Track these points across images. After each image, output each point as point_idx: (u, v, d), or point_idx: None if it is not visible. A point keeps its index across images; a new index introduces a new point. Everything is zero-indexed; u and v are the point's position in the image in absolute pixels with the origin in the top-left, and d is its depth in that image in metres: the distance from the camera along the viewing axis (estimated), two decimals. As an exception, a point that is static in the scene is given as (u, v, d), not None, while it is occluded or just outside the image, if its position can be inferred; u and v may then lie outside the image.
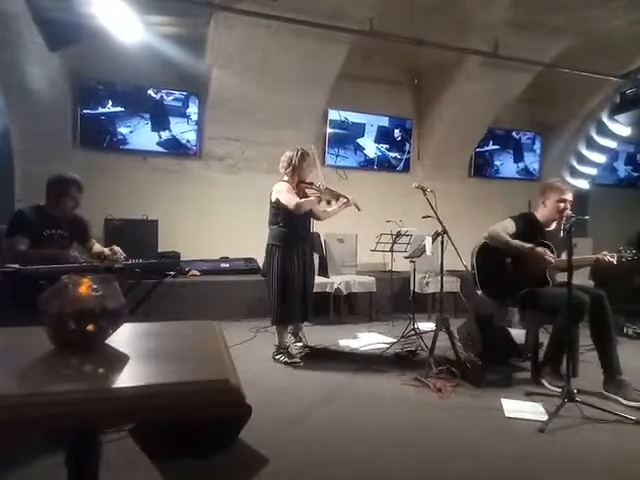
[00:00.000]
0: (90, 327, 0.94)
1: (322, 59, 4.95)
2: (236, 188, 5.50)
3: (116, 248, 3.11)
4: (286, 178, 3.52)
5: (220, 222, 5.41)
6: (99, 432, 0.96)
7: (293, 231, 3.44)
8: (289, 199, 3.34)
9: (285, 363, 3.44)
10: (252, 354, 3.74)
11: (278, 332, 3.52)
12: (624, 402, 2.68)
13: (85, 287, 0.96)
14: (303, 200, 3.38)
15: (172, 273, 3.20)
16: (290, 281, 3.39)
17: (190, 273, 5.06)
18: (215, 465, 1.90)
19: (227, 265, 5.30)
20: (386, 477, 1.94)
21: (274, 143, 5.40)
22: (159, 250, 5.05)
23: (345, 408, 2.63)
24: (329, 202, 3.63)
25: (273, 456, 2.02)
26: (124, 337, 1.06)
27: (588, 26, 4.90)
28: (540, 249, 2.99)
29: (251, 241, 4.70)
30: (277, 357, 3.51)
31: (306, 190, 3.55)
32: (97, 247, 3.28)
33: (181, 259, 5.12)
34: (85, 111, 4.98)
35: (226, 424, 1.95)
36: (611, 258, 2.91)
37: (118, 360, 0.93)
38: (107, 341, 1.00)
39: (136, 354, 0.97)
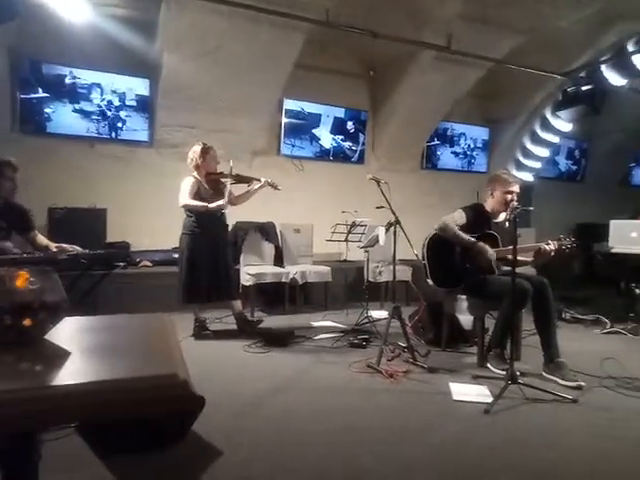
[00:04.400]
0: (27, 322, 0.89)
1: (278, 47, 4.88)
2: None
3: (65, 246, 2.98)
4: (195, 173, 3.80)
5: (173, 211, 5.25)
6: (38, 432, 0.92)
7: (202, 220, 3.74)
8: (181, 198, 3.70)
9: (198, 334, 3.84)
10: (206, 345, 3.71)
11: (192, 308, 3.90)
12: (562, 382, 2.85)
13: (22, 280, 0.91)
14: (189, 203, 3.68)
15: (121, 264, 3.10)
16: (197, 266, 3.71)
17: (141, 264, 4.93)
18: (166, 458, 1.88)
19: (180, 255, 5.18)
20: (339, 464, 1.98)
21: (230, 131, 5.32)
22: (108, 240, 4.87)
23: (299, 397, 2.66)
24: (246, 182, 3.93)
25: (226, 447, 2.02)
26: (67, 332, 1.02)
27: (535, 23, 5.10)
28: (481, 244, 3.12)
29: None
30: (194, 329, 3.88)
31: (219, 179, 3.85)
32: (41, 238, 3.13)
33: (132, 249, 4.97)
34: (25, 94, 4.69)
35: (178, 417, 1.92)
36: (547, 246, 3.07)
37: (58, 356, 0.89)
38: (47, 336, 0.96)
39: (80, 350, 0.93)
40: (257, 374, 3.03)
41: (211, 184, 3.85)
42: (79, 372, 0.84)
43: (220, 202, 3.68)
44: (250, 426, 2.28)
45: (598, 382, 2.88)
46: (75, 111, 4.86)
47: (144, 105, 5.13)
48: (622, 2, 4.86)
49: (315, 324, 4.41)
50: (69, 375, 0.81)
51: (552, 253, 3.08)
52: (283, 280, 4.85)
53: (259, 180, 3.91)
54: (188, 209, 3.75)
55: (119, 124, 5.06)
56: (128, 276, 4.54)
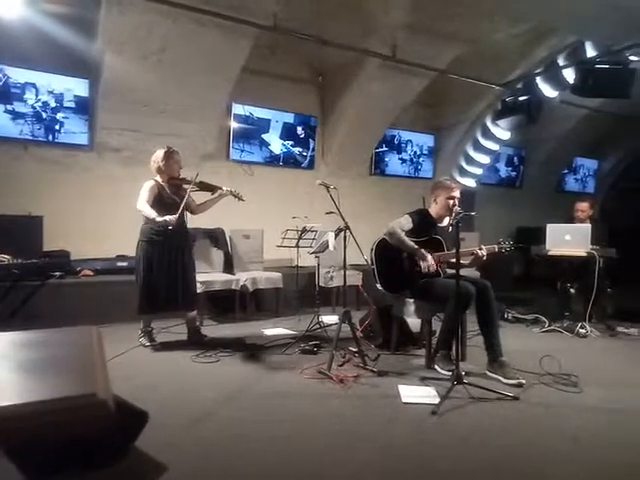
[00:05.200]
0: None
1: (225, 51, 4.81)
2: (134, 181, 5.12)
3: None
4: (157, 177, 3.73)
5: (117, 218, 5.06)
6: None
7: (161, 227, 3.56)
8: (138, 201, 3.58)
9: (144, 345, 3.72)
10: (153, 356, 3.57)
11: (143, 318, 3.78)
12: (504, 381, 2.97)
13: None
14: (144, 209, 3.55)
15: (57, 274, 2.94)
16: (154, 275, 3.60)
17: (82, 273, 4.69)
18: (106, 477, 1.78)
19: (125, 264, 4.98)
20: (289, 471, 1.96)
21: (176, 135, 5.17)
22: (45, 249, 4.59)
23: (249, 406, 2.61)
24: (210, 190, 3.84)
25: (172, 462, 1.94)
26: (-13, 349, 0.94)
27: (475, 36, 5.32)
28: (422, 251, 3.22)
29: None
30: (140, 340, 3.76)
31: (181, 185, 3.78)
32: None
33: (71, 258, 4.72)
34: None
35: (119, 433, 1.83)
36: (480, 251, 3.21)
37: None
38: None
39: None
40: (206, 383, 2.95)
41: (172, 189, 3.75)
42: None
43: (168, 217, 3.47)
44: (199, 437, 2.21)
45: (537, 379, 3.02)
46: (7, 112, 4.57)
47: (84, 107, 4.90)
48: (553, 19, 5.16)
49: (266, 332, 4.36)
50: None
51: (484, 258, 3.22)
52: (233, 287, 4.76)
53: (222, 189, 3.82)
54: (142, 214, 3.60)
55: (56, 126, 4.80)
56: (67, 286, 4.29)
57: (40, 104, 4.71)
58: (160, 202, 3.63)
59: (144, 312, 3.69)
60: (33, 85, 4.66)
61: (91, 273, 4.74)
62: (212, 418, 2.43)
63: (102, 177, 5.12)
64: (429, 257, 3.22)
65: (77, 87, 4.85)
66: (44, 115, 4.74)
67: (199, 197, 3.92)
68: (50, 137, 4.80)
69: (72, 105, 4.85)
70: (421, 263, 3.24)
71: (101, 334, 1.12)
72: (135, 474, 1.90)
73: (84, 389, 0.72)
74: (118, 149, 5.16)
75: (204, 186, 3.81)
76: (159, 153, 3.73)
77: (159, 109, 5.04)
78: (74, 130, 4.90)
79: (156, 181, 3.70)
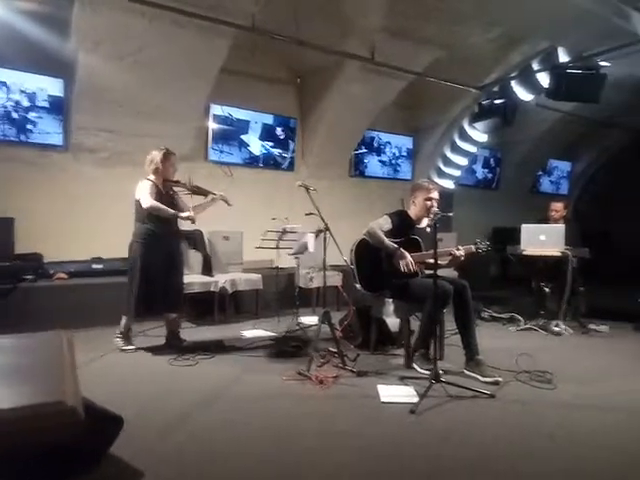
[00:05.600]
0: None
1: (203, 52, 4.77)
2: (110, 183, 5.08)
3: None
4: (152, 177, 3.65)
5: (92, 220, 4.97)
6: None
7: (157, 228, 3.58)
8: (145, 199, 3.50)
9: (121, 349, 3.64)
10: (129, 359, 3.51)
11: (128, 320, 3.68)
12: (481, 379, 3.02)
13: None
14: (158, 206, 3.51)
15: (30, 277, 2.87)
16: (150, 276, 3.54)
17: (56, 276, 4.58)
18: (81, 485, 1.74)
19: (100, 266, 4.89)
20: (267, 473, 1.95)
21: (153, 136, 5.09)
22: (17, 252, 4.48)
23: (227, 410, 2.58)
24: (203, 194, 3.82)
25: (148, 468, 1.91)
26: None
27: (451, 40, 5.40)
28: (401, 251, 3.25)
29: (128, 240, 4.38)
30: (116, 342, 3.68)
31: (173, 188, 3.75)
32: None
33: (45, 261, 4.61)
34: None
35: (92, 439, 1.79)
36: (457, 251, 3.26)
37: None
38: None
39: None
40: (184, 387, 2.92)
41: (166, 191, 3.71)
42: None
43: (189, 213, 3.55)
44: (176, 441, 2.18)
45: (513, 376, 3.08)
46: (-24, 111, 4.45)
47: (58, 107, 4.79)
48: (524, 26, 5.28)
49: (245, 333, 4.33)
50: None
51: (462, 258, 3.28)
52: (212, 289, 4.72)
53: (214, 194, 3.80)
54: (155, 212, 3.52)
55: (29, 126, 4.69)
56: (40, 290, 4.20)
57: (12, 103, 4.59)
58: (159, 202, 3.57)
59: (140, 315, 3.64)
60: (4, 84, 4.54)
61: (65, 276, 4.63)
62: (189, 422, 2.40)
63: (77, 178, 5.02)
64: (408, 255, 3.25)
65: (51, 86, 4.74)
66: (16, 115, 4.62)
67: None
68: (22, 137, 4.68)
69: (46, 105, 4.74)
70: (400, 262, 3.26)
71: (72, 339, 1.09)
72: (110, 480, 1.86)
73: (52, 396, 0.70)
74: (94, 150, 5.06)
75: (198, 190, 3.79)
76: (156, 154, 3.66)
77: (136, 110, 4.96)
78: (48, 130, 4.79)
79: (152, 181, 3.64)
